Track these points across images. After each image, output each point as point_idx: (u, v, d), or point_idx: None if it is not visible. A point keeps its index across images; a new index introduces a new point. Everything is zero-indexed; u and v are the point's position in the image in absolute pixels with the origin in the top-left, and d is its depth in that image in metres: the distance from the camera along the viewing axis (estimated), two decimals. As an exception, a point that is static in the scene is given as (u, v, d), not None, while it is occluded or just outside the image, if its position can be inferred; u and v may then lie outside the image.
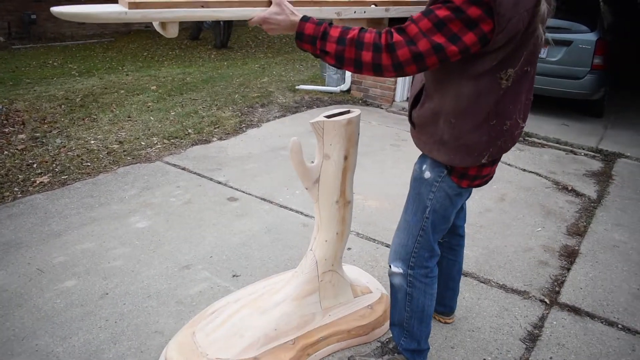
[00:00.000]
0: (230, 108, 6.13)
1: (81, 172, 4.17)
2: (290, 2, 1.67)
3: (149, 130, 5.24)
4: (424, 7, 1.60)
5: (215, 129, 5.37)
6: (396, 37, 1.50)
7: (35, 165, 4.33)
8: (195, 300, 2.66)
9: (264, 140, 5.11)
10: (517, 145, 5.39)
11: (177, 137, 5.04)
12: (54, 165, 4.33)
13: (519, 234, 3.55)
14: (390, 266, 2.07)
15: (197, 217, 3.50)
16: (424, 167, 1.91)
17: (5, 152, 4.56)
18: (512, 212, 3.88)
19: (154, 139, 5.00)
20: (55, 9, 1.40)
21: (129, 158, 4.51)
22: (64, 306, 2.60)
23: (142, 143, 4.89)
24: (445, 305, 2.50)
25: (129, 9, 1.38)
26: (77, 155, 4.56)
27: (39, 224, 3.37)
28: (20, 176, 4.06)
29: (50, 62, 8.86)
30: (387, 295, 2.54)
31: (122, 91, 6.77)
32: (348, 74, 6.81)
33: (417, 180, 1.95)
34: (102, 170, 4.23)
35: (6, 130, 5.11)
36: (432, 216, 1.92)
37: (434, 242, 1.98)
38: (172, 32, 1.53)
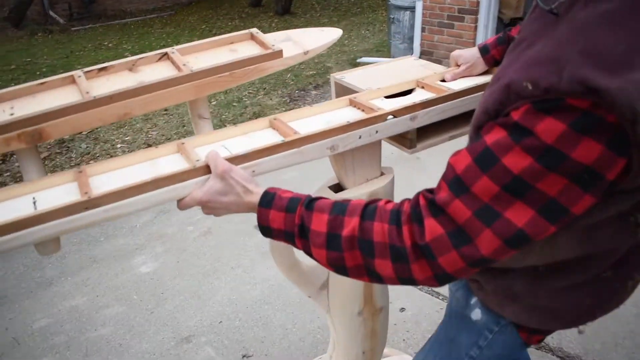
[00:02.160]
0: (279, 92, 5.36)
1: (96, 189, 3.62)
2: (255, 152, 1.04)
3: (184, 127, 4.61)
4: (474, 99, 1.14)
5: (257, 122, 4.64)
6: (430, 227, 0.77)
7: None
8: (188, 400, 2.00)
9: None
10: None
11: (212, 136, 4.36)
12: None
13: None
14: None
15: (214, 257, 2.82)
16: (473, 301, 1.06)
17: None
18: None
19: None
20: None
21: (153, 167, 3.90)
22: (27, 402, 2.03)
23: (173, 145, 4.27)
24: None
25: None
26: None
27: (32, 267, 2.84)
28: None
29: (106, 43, 8.47)
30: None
31: (166, 76, 6.20)
32: (417, 43, 5.79)
33: (456, 317, 1.12)
34: (119, 186, 3.64)
35: (33, 133, 4.67)
36: None
37: None
38: None
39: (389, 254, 0.80)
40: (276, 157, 1.07)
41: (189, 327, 2.34)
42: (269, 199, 0.93)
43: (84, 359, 2.22)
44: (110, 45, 8.26)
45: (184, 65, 1.18)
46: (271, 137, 1.13)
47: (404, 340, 2.20)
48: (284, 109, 4.89)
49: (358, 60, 6.35)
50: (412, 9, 5.63)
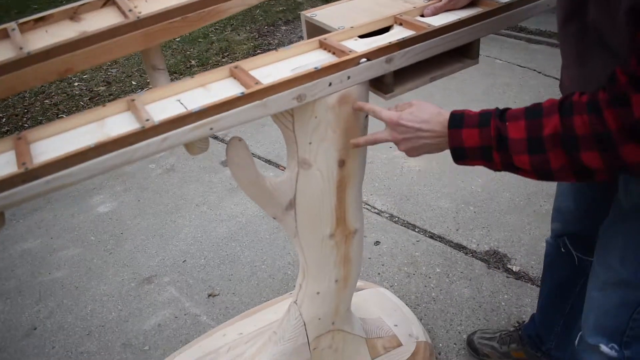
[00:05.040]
0: (247, 28, 5.06)
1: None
2: (213, 108, 0.93)
3: (144, 64, 4.32)
4: (455, 36, 1.06)
5: (223, 58, 4.37)
6: (637, 102, 0.71)
7: (3, 121, 3.55)
8: (149, 341, 1.86)
9: (282, 72, 4.09)
10: None
11: (175, 72, 4.10)
12: (24, 119, 3.54)
13: None
14: (585, 339, 1.17)
15: (177, 194, 2.64)
16: None
17: (-27, 103, 3.80)
18: None
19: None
20: None
21: (112, 105, 3.65)
22: (-26, 349, 1.87)
23: (134, 82, 4.00)
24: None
25: None
26: (54, 104, 3.74)
27: (-21, 209, 2.62)
28: (-24, 137, 3.31)
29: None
30: (426, 344, 1.65)
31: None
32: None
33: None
34: (75, 125, 3.40)
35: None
36: None
37: None
38: None
39: (594, 143, 0.77)
40: (236, 112, 0.96)
41: (151, 267, 2.19)
42: (458, 119, 0.90)
43: (37, 304, 2.05)
44: (65, -17, 7.72)
45: (130, 11, 1.02)
46: (231, 89, 0.99)
47: (379, 274, 2.09)
48: (252, 44, 4.62)
49: (330, -4, 6.03)
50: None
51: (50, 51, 0.97)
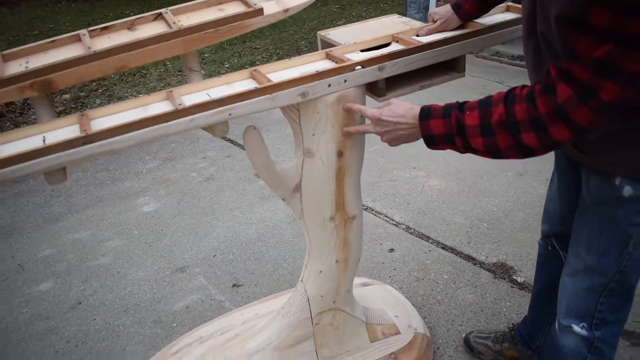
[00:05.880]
0: (291, 57, 5.38)
1: (106, 139, 3.72)
2: (231, 97, 1.16)
3: (195, 86, 4.68)
4: (440, 52, 1.27)
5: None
6: (560, 90, 0.91)
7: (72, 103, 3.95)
8: (177, 319, 2.08)
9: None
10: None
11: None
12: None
13: None
14: (559, 321, 1.34)
15: (214, 200, 2.90)
16: (617, 181, 1.12)
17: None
18: None
19: (197, 97, 4.44)
20: None
21: (163, 121, 3.99)
22: (28, 317, 2.14)
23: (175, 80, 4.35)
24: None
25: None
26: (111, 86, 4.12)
27: (41, 204, 2.95)
28: (43, 144, 3.69)
29: (127, 12, 8.58)
30: (424, 336, 1.79)
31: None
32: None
33: (603, 203, 1.17)
34: (129, 137, 3.74)
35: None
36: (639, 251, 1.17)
37: (635, 286, 1.26)
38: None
39: (531, 126, 0.95)
40: (250, 102, 1.19)
41: (184, 259, 2.43)
42: (426, 112, 1.10)
43: (83, 283, 2.32)
44: (130, 14, 8.36)
45: (174, 23, 1.29)
46: (249, 86, 1.23)
47: (390, 277, 2.25)
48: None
49: (373, 30, 6.33)
50: (428, -23, 5.60)
51: (111, 51, 1.24)
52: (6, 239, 2.67)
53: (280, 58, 5.39)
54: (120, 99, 4.49)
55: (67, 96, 4.59)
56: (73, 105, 4.40)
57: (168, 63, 5.39)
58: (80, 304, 2.20)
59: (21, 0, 9.24)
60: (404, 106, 1.15)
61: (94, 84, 4.86)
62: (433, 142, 1.11)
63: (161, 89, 4.65)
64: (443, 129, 1.08)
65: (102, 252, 2.52)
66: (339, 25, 6.77)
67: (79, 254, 2.52)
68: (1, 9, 5.40)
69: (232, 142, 3.58)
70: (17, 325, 2.11)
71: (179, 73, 5.08)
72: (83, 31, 1.33)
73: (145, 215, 2.79)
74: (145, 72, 5.16)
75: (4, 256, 2.53)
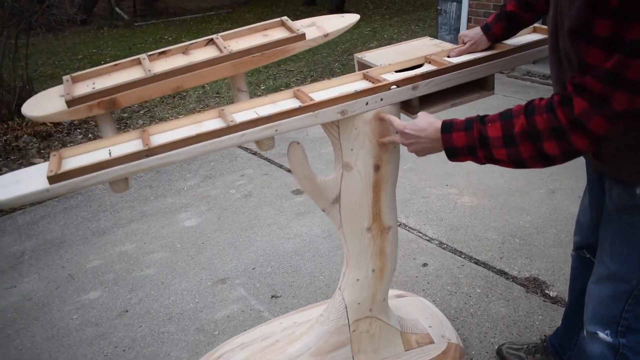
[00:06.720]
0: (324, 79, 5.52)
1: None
2: (277, 115, 1.27)
3: (232, 107, 4.86)
4: (470, 72, 1.33)
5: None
6: (577, 103, 0.98)
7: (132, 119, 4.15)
8: (219, 328, 2.18)
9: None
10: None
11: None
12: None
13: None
14: (586, 328, 1.38)
15: (252, 215, 3.01)
16: (638, 191, 1.17)
17: (90, 136, 4.45)
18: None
19: (235, 117, 4.60)
20: None
21: (202, 140, 4.16)
22: (78, 324, 2.27)
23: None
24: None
25: (51, 184, 1.15)
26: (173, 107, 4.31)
27: (88, 219, 3.12)
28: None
29: (166, 37, 8.93)
30: (457, 346, 1.84)
31: (219, 65, 6.51)
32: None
33: (624, 212, 1.22)
34: (170, 155, 3.91)
35: (96, 110, 5.05)
36: None
37: None
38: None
39: (552, 135, 1.01)
40: (294, 119, 1.30)
41: (225, 271, 2.54)
42: (448, 126, 1.17)
43: (129, 292, 2.45)
44: (169, 39, 8.70)
45: (225, 48, 1.42)
46: (292, 104, 1.35)
47: (423, 290, 2.31)
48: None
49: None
50: (459, 0, 5.69)
51: (168, 73, 1.38)
52: (57, 250, 2.83)
53: (314, 80, 5.54)
54: (161, 119, 4.69)
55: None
56: (117, 126, 4.61)
57: (206, 86, 5.60)
58: (127, 311, 2.32)
59: (66, 27, 9.70)
60: (427, 119, 1.23)
61: (136, 105, 5.09)
62: (455, 154, 1.18)
63: (200, 110, 4.85)
64: (466, 141, 1.14)
65: (147, 263, 2.65)
66: (371, 47, 6.92)
67: (125, 265, 2.65)
68: (47, 35, 5.75)
69: (269, 160, 3.71)
70: (68, 331, 2.24)
71: (217, 95, 5.27)
72: (143, 55, 1.47)
73: (187, 230, 2.92)
74: (185, 94, 5.37)
75: (55, 266, 2.68)
